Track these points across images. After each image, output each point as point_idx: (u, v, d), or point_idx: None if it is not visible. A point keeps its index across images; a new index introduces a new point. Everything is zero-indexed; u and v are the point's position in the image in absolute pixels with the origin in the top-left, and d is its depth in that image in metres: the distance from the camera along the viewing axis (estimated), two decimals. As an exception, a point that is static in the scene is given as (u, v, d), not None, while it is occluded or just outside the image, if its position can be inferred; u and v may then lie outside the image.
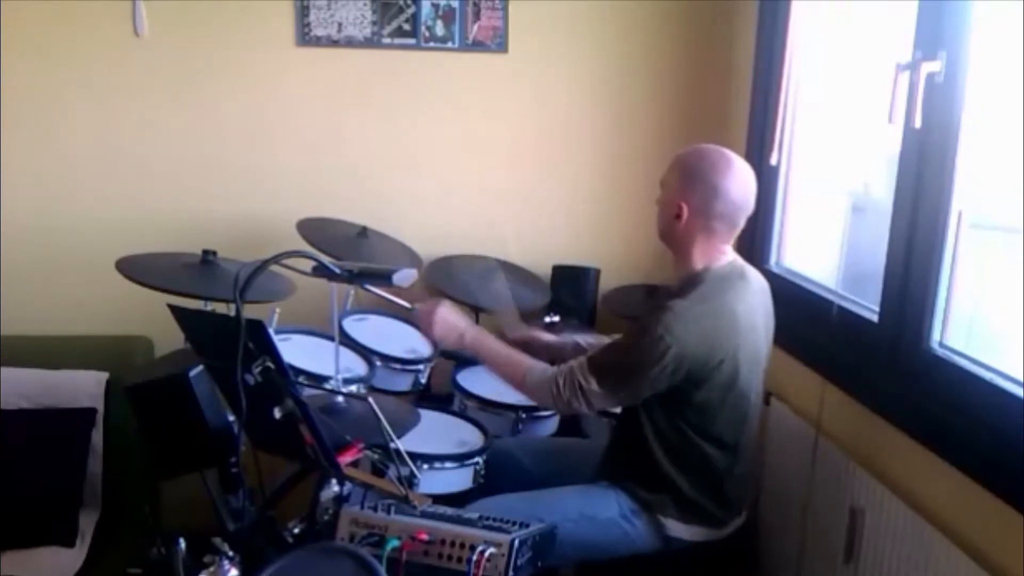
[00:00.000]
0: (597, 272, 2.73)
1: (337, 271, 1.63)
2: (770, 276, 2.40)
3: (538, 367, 1.89)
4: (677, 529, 1.84)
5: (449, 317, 1.99)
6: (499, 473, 2.03)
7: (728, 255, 1.85)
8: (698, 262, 1.82)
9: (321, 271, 1.64)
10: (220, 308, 1.82)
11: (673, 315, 1.71)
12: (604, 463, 1.97)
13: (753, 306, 1.83)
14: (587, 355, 1.83)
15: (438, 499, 1.68)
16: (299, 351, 2.08)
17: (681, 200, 1.79)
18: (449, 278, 2.54)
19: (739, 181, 1.79)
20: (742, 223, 1.84)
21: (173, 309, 1.55)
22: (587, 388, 1.78)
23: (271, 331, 1.46)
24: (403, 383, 2.27)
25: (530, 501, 1.85)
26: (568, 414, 1.92)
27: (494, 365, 1.97)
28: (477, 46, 2.68)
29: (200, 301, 1.97)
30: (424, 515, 1.55)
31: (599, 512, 1.84)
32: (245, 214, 2.68)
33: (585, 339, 2.15)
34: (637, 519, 1.84)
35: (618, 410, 2.05)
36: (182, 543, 1.42)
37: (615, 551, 1.85)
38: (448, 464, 1.98)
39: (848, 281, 2.07)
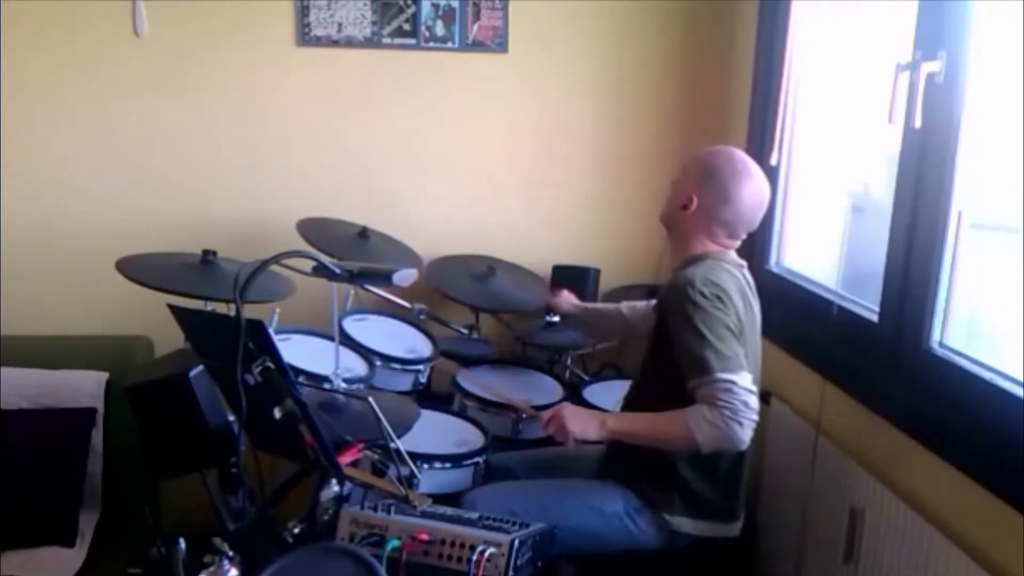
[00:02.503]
0: (597, 272, 2.73)
1: (337, 271, 1.63)
2: (770, 276, 2.42)
3: (692, 409, 1.68)
4: (684, 525, 1.84)
5: (578, 411, 1.86)
6: (499, 478, 2.02)
7: (726, 253, 1.89)
8: (696, 250, 1.86)
9: (321, 271, 1.64)
10: (220, 308, 1.82)
11: (697, 278, 1.73)
12: (607, 462, 1.96)
13: (751, 295, 1.87)
14: (691, 376, 1.69)
15: (438, 499, 1.68)
16: (299, 351, 2.08)
17: (694, 193, 1.83)
18: (449, 278, 2.54)
19: (752, 195, 1.83)
20: (742, 235, 1.88)
21: (173, 309, 1.55)
22: (733, 384, 1.64)
23: (271, 331, 1.46)
24: (403, 383, 2.27)
25: (536, 488, 1.86)
26: (752, 425, 1.66)
27: (650, 431, 1.76)
28: (477, 46, 2.68)
29: (200, 301, 1.97)
30: (424, 515, 1.55)
31: (605, 505, 1.85)
32: (245, 214, 2.68)
33: (629, 305, 2.28)
34: (640, 517, 1.84)
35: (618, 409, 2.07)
36: (182, 543, 1.42)
37: (616, 546, 1.85)
38: (448, 464, 1.98)
39: (848, 281, 2.07)
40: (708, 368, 1.66)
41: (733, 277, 1.82)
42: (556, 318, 2.50)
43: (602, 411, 1.97)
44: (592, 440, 1.84)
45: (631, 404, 1.95)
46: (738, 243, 1.89)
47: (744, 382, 1.66)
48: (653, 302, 2.13)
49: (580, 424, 1.80)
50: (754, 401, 1.67)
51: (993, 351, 1.54)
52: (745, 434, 1.65)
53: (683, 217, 1.85)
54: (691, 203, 1.83)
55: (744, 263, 1.91)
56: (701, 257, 1.84)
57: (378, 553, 1.42)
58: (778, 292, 2.31)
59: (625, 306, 2.30)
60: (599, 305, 2.45)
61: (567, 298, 2.42)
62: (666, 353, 1.78)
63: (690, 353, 1.70)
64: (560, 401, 2.33)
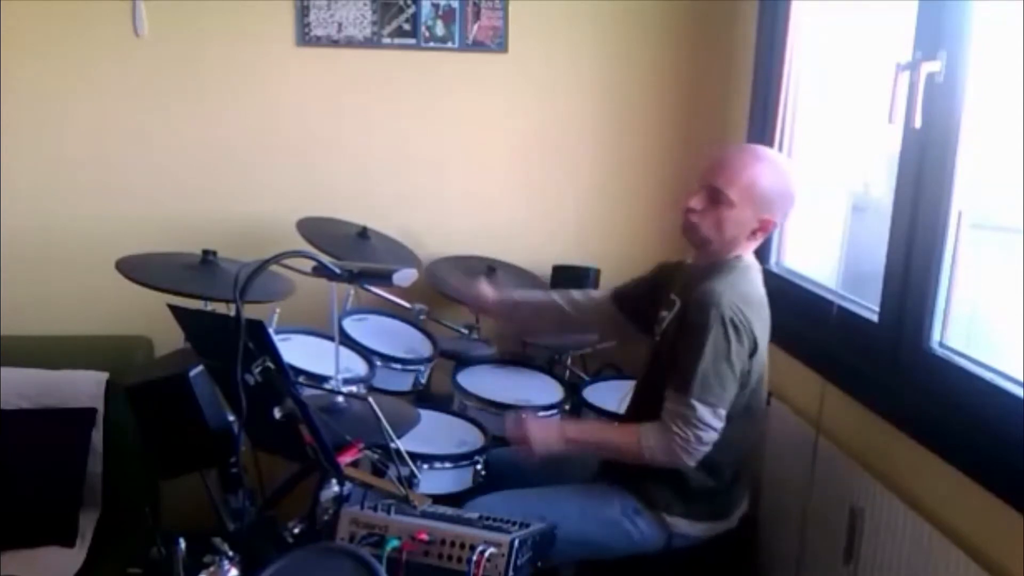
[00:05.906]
0: (597, 272, 2.73)
1: (337, 271, 1.63)
2: (770, 276, 2.40)
3: (646, 426, 1.76)
4: (682, 526, 1.84)
5: (541, 423, 1.91)
6: (498, 480, 2.02)
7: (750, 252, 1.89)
8: (730, 254, 1.84)
9: (321, 271, 1.64)
10: (220, 308, 1.82)
11: (725, 298, 1.72)
12: (606, 463, 1.96)
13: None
14: (672, 386, 1.74)
15: (438, 499, 1.68)
16: (299, 351, 2.08)
17: (769, 215, 1.80)
18: (449, 278, 2.54)
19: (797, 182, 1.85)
20: None
21: (173, 309, 1.55)
22: (696, 416, 1.69)
23: (271, 331, 1.46)
24: (403, 383, 2.27)
25: (532, 497, 1.85)
26: (700, 456, 1.72)
27: (604, 444, 1.85)
28: (477, 46, 2.68)
29: (200, 301, 1.97)
30: (424, 515, 1.55)
31: (601, 510, 1.84)
32: (245, 214, 2.68)
33: (568, 298, 2.16)
34: (639, 518, 1.84)
35: (621, 411, 2.07)
36: (182, 543, 1.42)
37: (617, 549, 1.85)
38: (448, 464, 1.98)
39: (848, 281, 2.07)
40: (688, 388, 1.70)
41: (758, 287, 1.83)
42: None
43: (565, 420, 2.02)
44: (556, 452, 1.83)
45: (634, 408, 1.95)
46: None
47: (709, 418, 1.70)
48: (596, 293, 2.18)
49: (543, 438, 1.83)
50: (710, 436, 1.71)
51: (993, 351, 1.54)
52: (691, 461, 1.73)
53: (747, 239, 1.83)
54: (769, 226, 1.81)
55: (759, 266, 1.91)
56: (730, 265, 1.82)
57: (378, 553, 1.42)
58: (778, 292, 2.30)
59: (561, 297, 2.16)
60: (528, 295, 2.25)
61: (487, 291, 2.20)
62: None
63: (683, 366, 1.72)
64: (560, 402, 2.32)
